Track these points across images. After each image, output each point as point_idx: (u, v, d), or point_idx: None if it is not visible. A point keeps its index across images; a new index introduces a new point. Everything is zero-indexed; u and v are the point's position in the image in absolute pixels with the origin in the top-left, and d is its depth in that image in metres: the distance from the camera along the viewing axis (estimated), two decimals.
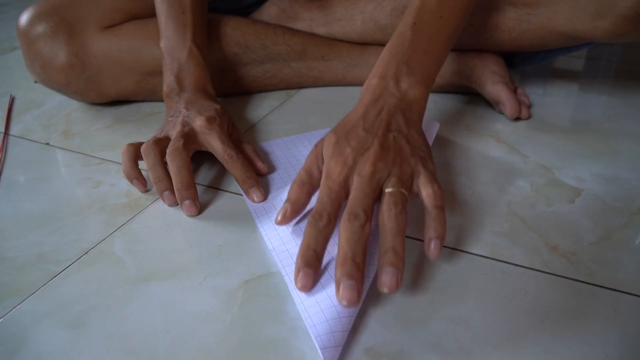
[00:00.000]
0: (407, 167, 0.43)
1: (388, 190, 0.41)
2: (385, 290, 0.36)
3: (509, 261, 0.44)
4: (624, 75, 0.86)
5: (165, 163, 0.53)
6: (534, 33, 0.65)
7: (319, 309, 0.38)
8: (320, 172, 0.45)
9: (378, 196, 0.41)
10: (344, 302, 0.36)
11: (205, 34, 0.68)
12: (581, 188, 0.54)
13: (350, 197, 0.41)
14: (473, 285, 0.42)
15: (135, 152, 0.55)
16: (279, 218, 0.44)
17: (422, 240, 0.47)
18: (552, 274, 0.43)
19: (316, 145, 0.46)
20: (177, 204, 0.52)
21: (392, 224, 0.39)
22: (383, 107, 0.47)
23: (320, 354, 0.35)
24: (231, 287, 0.42)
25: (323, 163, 0.45)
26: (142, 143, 0.56)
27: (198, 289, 0.42)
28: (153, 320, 0.39)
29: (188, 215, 0.51)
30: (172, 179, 0.51)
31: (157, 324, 0.39)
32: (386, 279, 0.36)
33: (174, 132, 0.55)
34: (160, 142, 0.54)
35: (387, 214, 0.39)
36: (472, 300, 0.40)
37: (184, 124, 0.56)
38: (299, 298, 0.40)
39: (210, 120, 0.55)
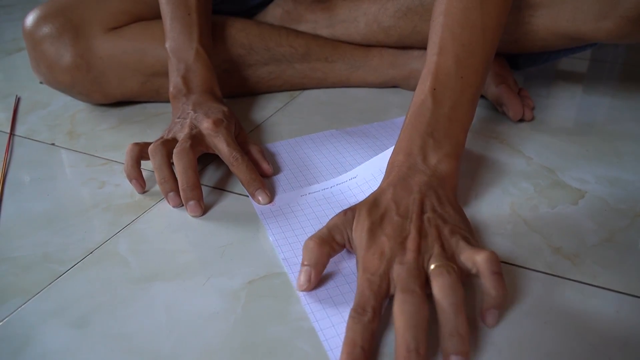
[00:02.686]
0: (449, 248, 0.39)
1: (435, 264, 0.38)
2: None
3: (512, 262, 0.45)
4: (628, 77, 0.86)
5: (172, 164, 0.53)
6: (537, 34, 0.65)
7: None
8: (343, 238, 0.42)
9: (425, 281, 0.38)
10: None
11: (211, 36, 0.68)
12: (584, 190, 0.54)
13: (398, 274, 0.37)
14: (475, 287, 0.42)
15: (139, 152, 0.55)
16: (303, 284, 0.41)
17: None
18: (555, 276, 0.43)
19: (345, 212, 0.43)
20: (182, 205, 0.52)
21: (451, 299, 0.35)
22: (413, 186, 0.44)
23: None
24: (235, 288, 0.43)
25: (349, 234, 0.42)
26: (147, 143, 0.56)
27: (202, 289, 0.43)
28: (157, 320, 0.40)
29: (192, 216, 0.51)
30: (178, 179, 0.52)
31: (161, 324, 0.39)
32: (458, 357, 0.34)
33: (181, 134, 0.55)
34: (168, 143, 0.54)
35: (442, 286, 0.36)
36: (475, 302, 0.40)
37: (192, 126, 0.56)
38: (332, 352, 0.37)
39: (217, 123, 0.56)
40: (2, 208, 0.55)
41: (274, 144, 0.65)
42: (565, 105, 0.74)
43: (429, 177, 0.45)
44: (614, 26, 0.59)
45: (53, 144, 0.68)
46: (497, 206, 0.52)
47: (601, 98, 0.76)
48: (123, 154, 0.63)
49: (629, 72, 0.88)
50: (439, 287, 0.36)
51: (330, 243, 0.42)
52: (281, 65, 0.77)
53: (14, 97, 0.82)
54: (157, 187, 0.56)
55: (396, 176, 0.45)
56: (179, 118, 0.58)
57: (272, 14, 0.80)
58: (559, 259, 0.45)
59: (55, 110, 0.77)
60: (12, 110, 0.77)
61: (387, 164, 0.48)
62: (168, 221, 0.51)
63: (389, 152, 0.56)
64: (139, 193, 0.55)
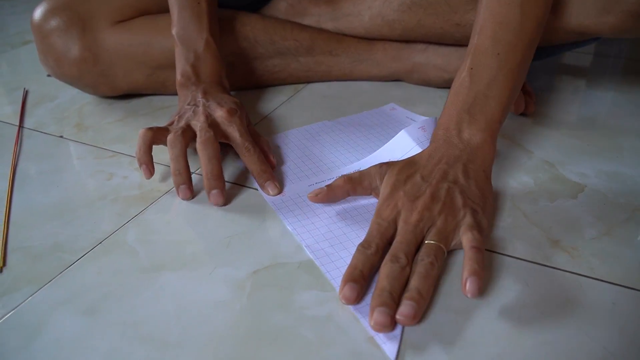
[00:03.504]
0: (452, 220, 0.44)
1: (427, 241, 0.43)
2: (400, 317, 0.38)
3: (511, 255, 0.45)
4: (631, 72, 0.86)
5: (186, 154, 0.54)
6: None
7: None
8: (370, 186, 0.49)
9: (420, 243, 0.43)
10: (376, 326, 0.37)
11: (218, 26, 0.69)
12: (584, 184, 0.55)
13: (395, 241, 0.43)
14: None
15: (152, 137, 0.55)
16: (312, 195, 0.50)
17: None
18: (553, 268, 0.44)
19: (381, 165, 0.49)
20: (191, 198, 0.54)
21: (420, 269, 0.40)
22: (443, 157, 0.49)
23: (383, 347, 0.37)
24: (240, 277, 0.44)
25: (379, 185, 0.48)
26: (160, 128, 0.56)
27: (208, 279, 0.44)
28: (165, 308, 0.41)
29: (215, 205, 0.52)
30: (203, 168, 0.52)
31: (169, 312, 0.41)
32: (404, 310, 0.38)
33: (197, 123, 0.55)
34: (186, 133, 0.54)
35: (419, 263, 0.41)
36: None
37: (207, 114, 0.57)
38: (358, 311, 0.40)
39: (231, 112, 0.57)
40: (13, 199, 0.56)
41: (278, 134, 0.66)
42: (568, 99, 0.74)
43: (460, 150, 0.49)
44: (617, 21, 0.59)
45: (61, 137, 0.69)
46: (497, 199, 0.53)
47: (604, 93, 0.77)
48: (130, 147, 0.64)
49: (632, 67, 0.88)
50: (418, 263, 0.41)
51: (354, 184, 0.49)
52: (286, 59, 0.78)
53: (22, 90, 0.83)
54: (162, 180, 0.57)
55: (433, 147, 0.50)
56: (189, 105, 0.59)
57: (277, 7, 0.81)
58: (558, 252, 0.46)
59: (63, 103, 0.78)
60: (21, 103, 0.78)
61: (431, 137, 0.52)
62: (175, 213, 0.52)
63: (388, 147, 0.57)
64: (146, 179, 0.55)
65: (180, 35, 0.65)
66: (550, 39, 0.67)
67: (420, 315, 0.38)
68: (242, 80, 0.78)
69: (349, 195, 0.50)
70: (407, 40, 0.77)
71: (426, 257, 0.41)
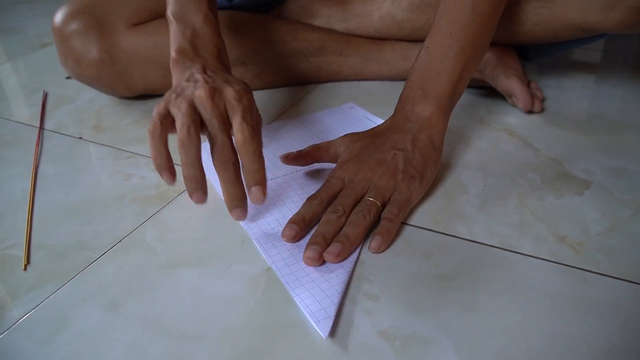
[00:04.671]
0: (391, 181, 0.51)
1: (365, 198, 0.49)
2: (326, 254, 0.44)
3: (517, 251, 0.46)
4: None
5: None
6: (547, 25, 0.66)
7: (310, 294, 0.42)
8: (336, 154, 0.56)
9: (360, 199, 0.50)
10: (307, 260, 0.45)
11: (217, 6, 0.63)
12: (590, 181, 0.55)
13: (338, 196, 0.50)
14: (483, 274, 0.44)
15: (166, 132, 0.48)
16: (282, 156, 0.56)
17: (433, 230, 0.49)
18: (559, 263, 0.45)
19: (345, 136, 0.56)
20: (205, 202, 0.48)
21: (352, 219, 0.47)
22: (398, 128, 0.55)
23: (316, 327, 0.39)
24: (255, 274, 0.45)
25: (342, 152, 0.55)
26: (165, 116, 0.48)
27: (224, 275, 0.45)
28: (183, 303, 0.43)
29: (235, 218, 0.49)
30: (223, 190, 0.49)
31: (187, 306, 0.42)
32: (331, 248, 0.45)
33: (206, 114, 0.48)
34: (196, 126, 0.47)
35: (354, 214, 0.48)
36: (481, 288, 0.43)
37: (210, 88, 0.49)
38: (294, 291, 0.43)
39: (241, 93, 0.50)
40: (35, 199, 0.58)
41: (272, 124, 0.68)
42: (576, 96, 0.75)
43: (412, 123, 0.55)
44: (622, 17, 0.60)
45: (81, 138, 0.71)
46: (504, 196, 0.54)
47: (612, 89, 0.77)
48: (147, 148, 0.65)
49: None
50: (352, 213, 0.48)
51: (322, 152, 0.56)
52: (297, 59, 0.79)
53: (42, 93, 0.85)
54: (178, 180, 0.59)
55: (391, 120, 0.57)
56: (187, 81, 0.51)
57: (288, 9, 0.82)
58: (563, 248, 0.47)
59: (82, 105, 0.80)
60: (41, 105, 0.81)
61: (394, 109, 0.58)
62: (190, 212, 0.54)
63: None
64: (170, 185, 0.49)
65: (176, 13, 0.58)
66: (557, 36, 0.68)
67: (344, 255, 0.45)
68: (254, 80, 0.80)
69: (316, 161, 0.57)
70: (416, 39, 0.78)
71: (360, 209, 0.48)
